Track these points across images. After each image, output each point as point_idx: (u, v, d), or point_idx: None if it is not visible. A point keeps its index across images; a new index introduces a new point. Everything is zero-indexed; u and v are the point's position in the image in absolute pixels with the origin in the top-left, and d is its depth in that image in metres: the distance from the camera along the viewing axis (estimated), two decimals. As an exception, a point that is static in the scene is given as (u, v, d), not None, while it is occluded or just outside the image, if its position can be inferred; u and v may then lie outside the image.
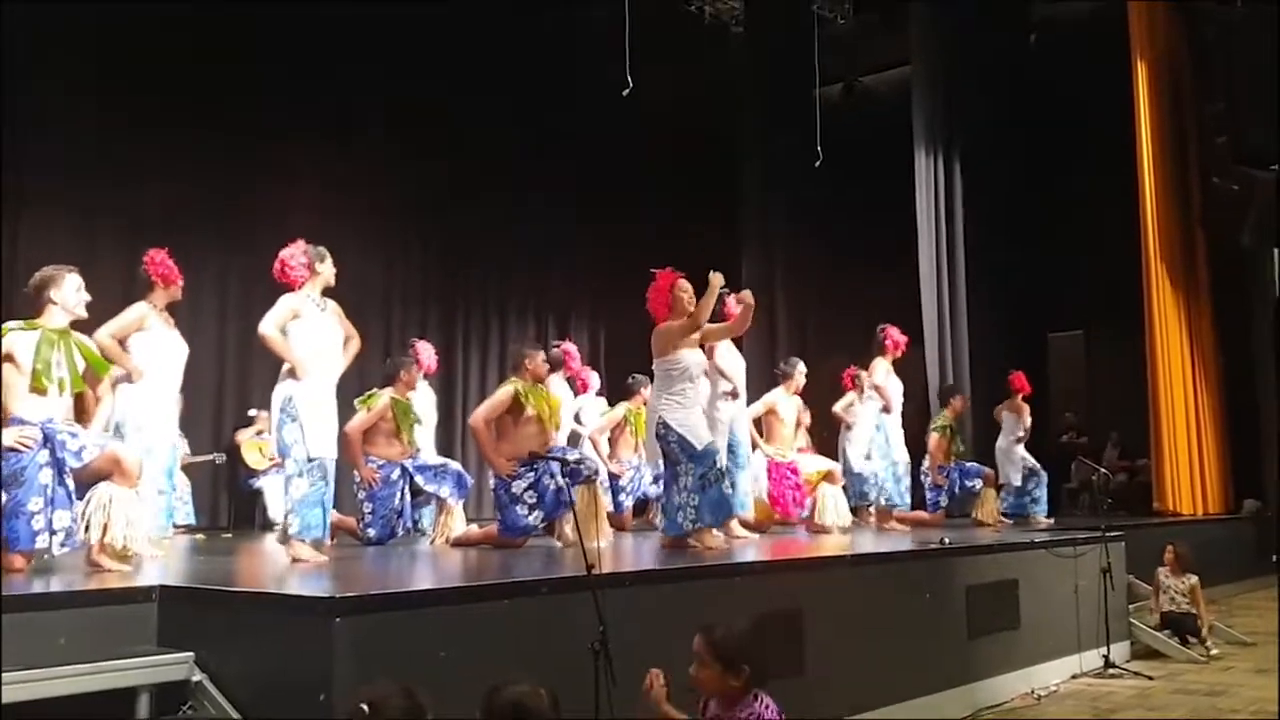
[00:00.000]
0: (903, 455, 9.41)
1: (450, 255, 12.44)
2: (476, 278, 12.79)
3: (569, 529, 6.55)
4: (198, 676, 3.73)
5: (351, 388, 7.54)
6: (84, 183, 9.38)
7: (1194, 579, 7.63)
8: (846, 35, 14.11)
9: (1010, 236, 12.17)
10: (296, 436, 5.62)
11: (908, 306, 12.27)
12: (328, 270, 5.94)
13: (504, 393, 6.85)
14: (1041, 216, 12.56)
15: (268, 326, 5.73)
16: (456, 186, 12.15)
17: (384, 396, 7.42)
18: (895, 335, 9.41)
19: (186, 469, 8.89)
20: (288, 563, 5.52)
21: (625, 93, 10.48)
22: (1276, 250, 11.78)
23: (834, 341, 11.22)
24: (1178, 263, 11.62)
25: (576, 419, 9.67)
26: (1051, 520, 10.04)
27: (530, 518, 6.57)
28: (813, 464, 8.81)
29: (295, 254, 5.89)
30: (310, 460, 5.62)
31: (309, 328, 5.78)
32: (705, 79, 13.82)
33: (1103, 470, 9.86)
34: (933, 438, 9.85)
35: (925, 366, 12.00)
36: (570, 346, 9.67)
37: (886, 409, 9.30)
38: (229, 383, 10.28)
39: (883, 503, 9.30)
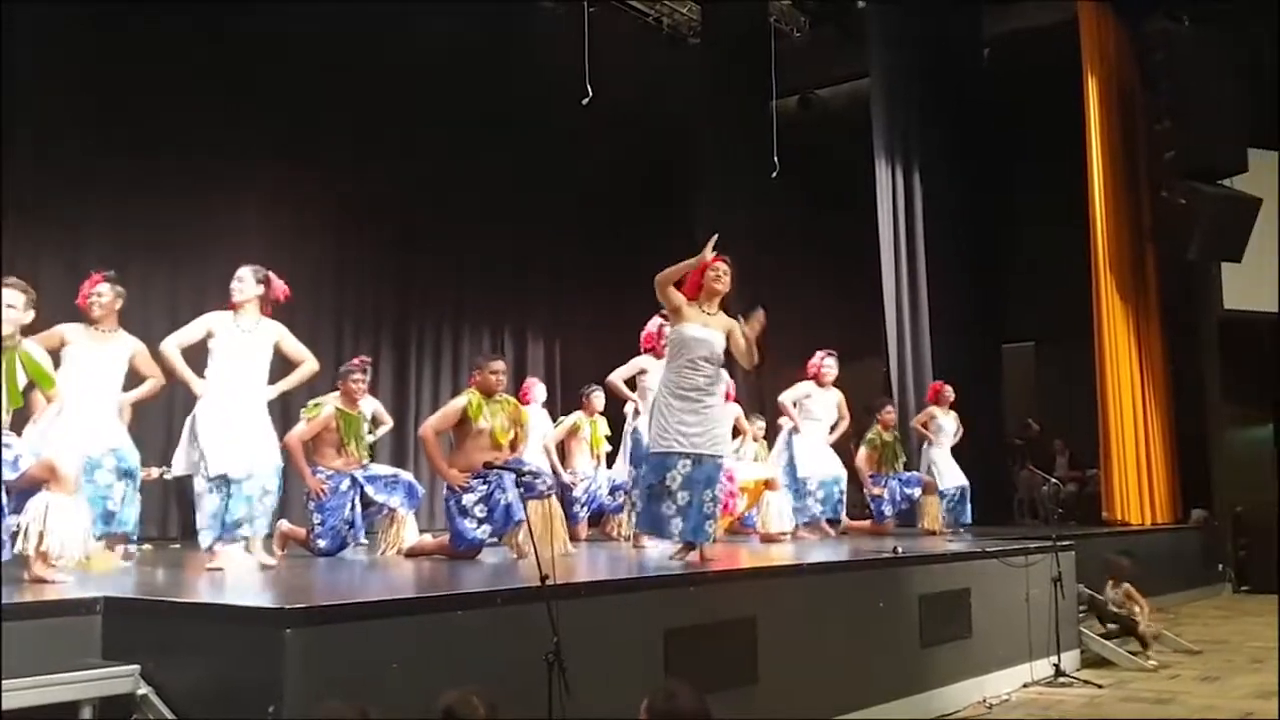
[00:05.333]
0: (818, 471, 9.37)
1: (404, 267, 12.37)
2: (431, 290, 12.71)
3: (523, 540, 6.50)
4: (143, 689, 3.68)
5: (302, 401, 7.52)
6: (32, 199, 9.22)
7: (1126, 585, 7.77)
8: (803, 48, 14.21)
9: (966, 248, 12.27)
10: (198, 456, 5.79)
11: (868, 317, 12.38)
12: (248, 289, 5.95)
13: (454, 405, 6.83)
14: (995, 228, 12.67)
15: (166, 343, 5.92)
16: (410, 198, 12.10)
17: (328, 407, 7.36)
18: (816, 360, 9.51)
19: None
20: (224, 572, 5.63)
21: (585, 102, 10.49)
22: (1222, 264, 11.95)
23: (790, 353, 11.23)
24: (1127, 276, 11.78)
25: None
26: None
27: (478, 531, 6.49)
28: (750, 472, 8.88)
29: (240, 273, 6.01)
30: (211, 479, 5.77)
31: (218, 348, 5.88)
32: (662, 90, 13.85)
33: (1053, 480, 9.98)
34: (860, 452, 9.98)
35: (889, 376, 12.06)
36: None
37: (795, 429, 9.45)
38: (178, 398, 10.13)
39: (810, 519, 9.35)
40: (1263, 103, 11.38)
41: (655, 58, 13.99)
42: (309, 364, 6.14)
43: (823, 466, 9.43)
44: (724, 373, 8.90)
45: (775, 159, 12.56)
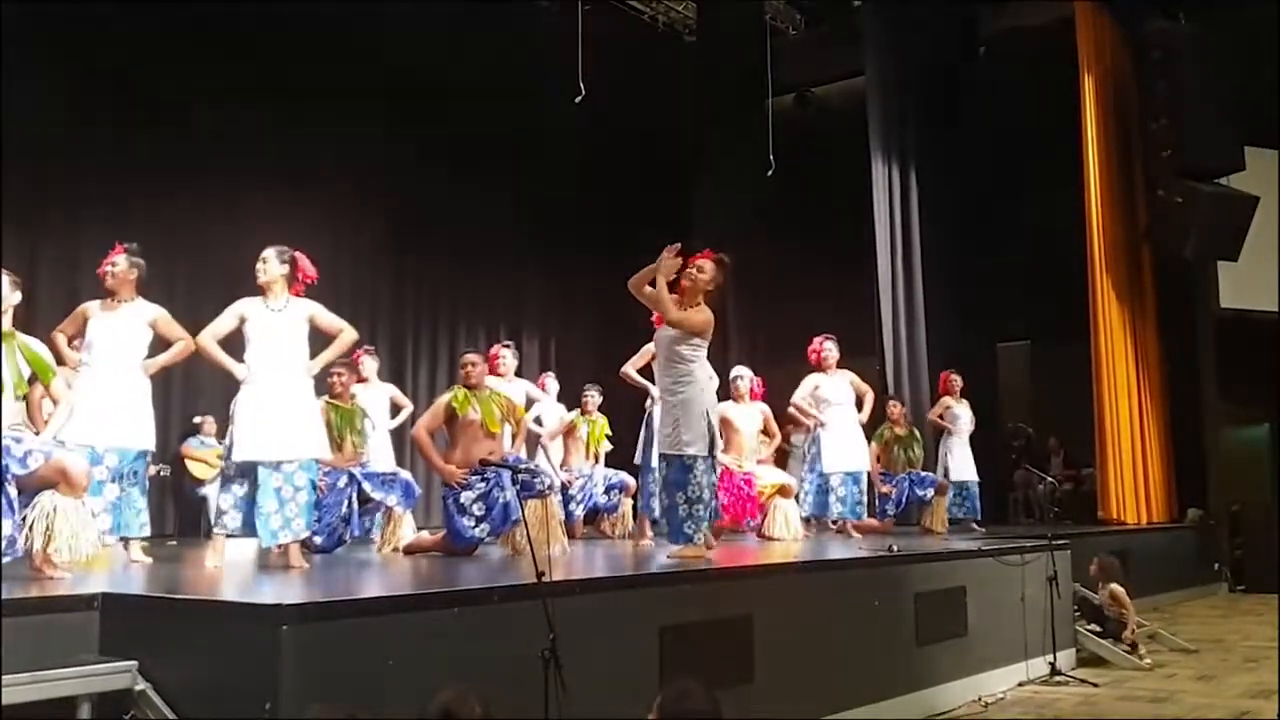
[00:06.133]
0: (843, 466, 9.13)
1: (401, 266, 12.37)
2: (428, 289, 12.71)
3: (520, 537, 6.50)
4: (140, 685, 3.68)
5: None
6: (28, 182, 9.22)
7: (1112, 586, 7.76)
8: (799, 45, 14.22)
9: (961, 246, 12.28)
10: (229, 441, 5.82)
11: (863, 315, 12.38)
12: (272, 270, 5.90)
13: (440, 401, 6.87)
14: (991, 227, 12.68)
15: (202, 335, 5.94)
16: (406, 193, 12.09)
17: (318, 402, 7.36)
18: (815, 345, 9.28)
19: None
20: (221, 569, 5.63)
21: (578, 100, 10.48)
22: (1218, 263, 11.96)
23: (787, 351, 11.25)
24: (1123, 275, 11.79)
25: (537, 422, 9.62)
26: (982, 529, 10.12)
27: (476, 530, 6.50)
28: (769, 476, 8.82)
29: (264, 254, 5.96)
30: (235, 464, 5.75)
31: (253, 331, 5.84)
32: (658, 87, 13.85)
33: (1049, 479, 9.98)
34: (871, 447, 9.92)
35: (885, 375, 12.07)
36: (498, 349, 9.23)
37: (819, 424, 9.21)
38: (175, 396, 10.15)
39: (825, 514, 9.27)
40: (1260, 101, 11.40)
41: (651, 55, 13.98)
42: (347, 333, 6.05)
43: (847, 461, 9.12)
44: (747, 370, 9.00)
45: (771, 156, 12.56)
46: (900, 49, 12.52)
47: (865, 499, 9.33)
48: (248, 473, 5.75)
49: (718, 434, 6.05)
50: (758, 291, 13.55)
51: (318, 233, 11.19)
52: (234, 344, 5.96)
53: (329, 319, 6.03)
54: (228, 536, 5.86)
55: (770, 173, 12.60)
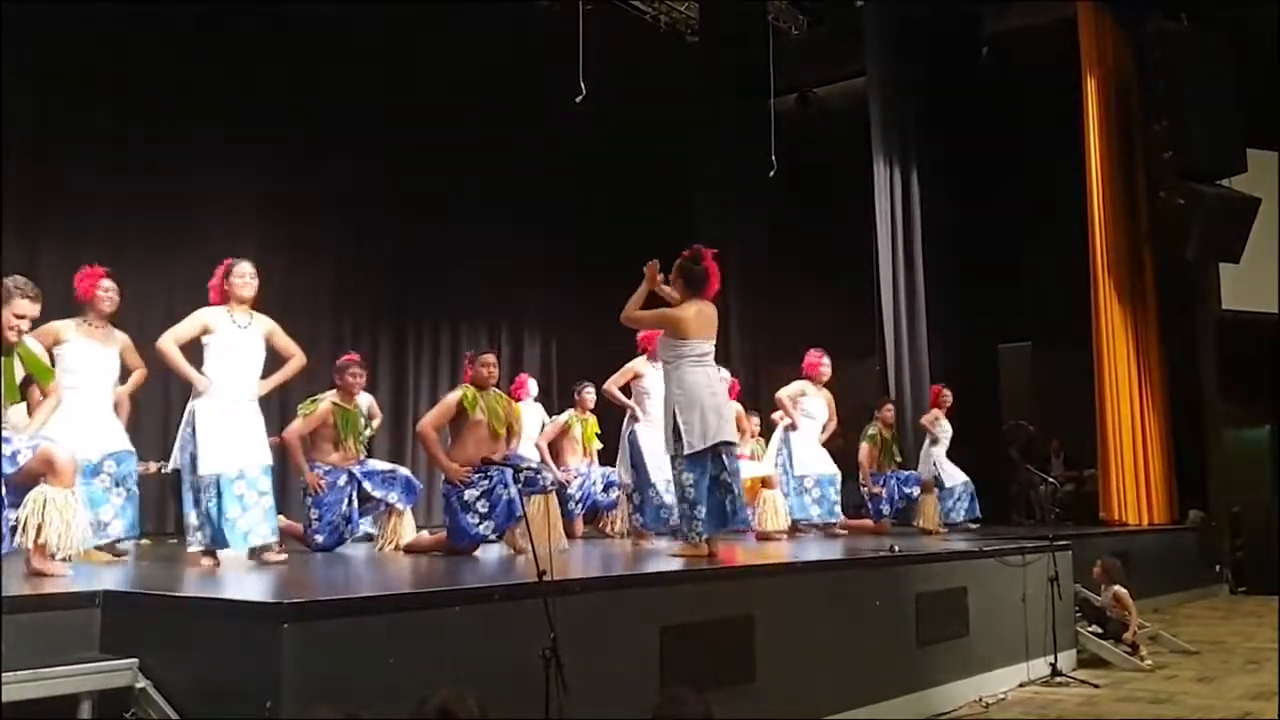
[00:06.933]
0: (815, 470, 9.37)
1: (402, 265, 12.35)
2: (429, 288, 12.69)
3: (520, 535, 6.50)
4: (141, 683, 3.68)
5: (301, 397, 7.54)
6: (28, 190, 9.21)
7: (1116, 588, 7.76)
8: (801, 46, 14.20)
9: (962, 247, 12.27)
10: (191, 453, 5.82)
11: (864, 315, 12.37)
12: (254, 286, 5.98)
13: (449, 399, 6.85)
14: (992, 228, 12.67)
15: (164, 339, 5.91)
16: (408, 195, 12.08)
17: (325, 402, 7.39)
18: (811, 358, 9.55)
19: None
20: (222, 567, 5.68)
21: (579, 99, 10.48)
22: (1220, 264, 11.95)
23: (787, 352, 11.24)
24: (1125, 276, 11.77)
25: None
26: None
27: (480, 527, 6.49)
28: (749, 469, 8.86)
29: (246, 269, 6.02)
30: (200, 477, 5.77)
31: (217, 344, 5.89)
32: (660, 88, 13.84)
33: (1050, 480, 9.97)
34: (862, 447, 10.00)
35: (886, 376, 12.06)
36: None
37: (792, 426, 9.41)
38: (174, 392, 10.12)
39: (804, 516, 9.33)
40: (1261, 102, 11.39)
41: (653, 55, 13.97)
42: (298, 359, 6.19)
43: (819, 465, 9.44)
44: (725, 372, 9.07)
45: (773, 157, 12.56)
46: (902, 49, 12.50)
47: (839, 500, 9.53)
48: (211, 486, 5.78)
49: (687, 432, 5.93)
50: (758, 292, 13.55)
51: (318, 233, 11.29)
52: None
53: (284, 341, 6.16)
54: (203, 552, 5.88)
55: (772, 173, 12.58)
